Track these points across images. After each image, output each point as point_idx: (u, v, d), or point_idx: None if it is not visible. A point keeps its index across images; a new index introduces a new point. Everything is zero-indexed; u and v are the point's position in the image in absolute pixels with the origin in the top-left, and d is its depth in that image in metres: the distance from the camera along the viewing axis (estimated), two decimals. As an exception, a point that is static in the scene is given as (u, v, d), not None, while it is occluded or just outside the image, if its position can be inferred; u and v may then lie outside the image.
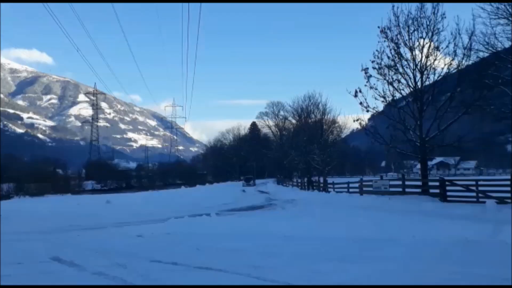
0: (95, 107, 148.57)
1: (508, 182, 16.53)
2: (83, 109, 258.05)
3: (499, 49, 16.82)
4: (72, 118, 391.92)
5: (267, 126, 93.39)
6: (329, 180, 38.66)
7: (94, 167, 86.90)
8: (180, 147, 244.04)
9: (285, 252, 8.18)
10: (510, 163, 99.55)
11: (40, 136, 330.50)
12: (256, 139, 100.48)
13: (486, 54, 17.91)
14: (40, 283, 5.91)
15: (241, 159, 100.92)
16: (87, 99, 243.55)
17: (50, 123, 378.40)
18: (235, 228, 12.73)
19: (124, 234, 11.78)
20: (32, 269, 6.87)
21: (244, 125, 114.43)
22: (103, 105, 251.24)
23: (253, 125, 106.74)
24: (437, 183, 19.88)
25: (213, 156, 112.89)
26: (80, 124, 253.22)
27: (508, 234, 9.59)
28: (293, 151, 52.64)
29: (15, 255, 7.98)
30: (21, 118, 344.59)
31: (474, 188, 17.97)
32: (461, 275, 5.92)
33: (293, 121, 65.92)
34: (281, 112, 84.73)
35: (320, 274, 6.12)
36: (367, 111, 22.42)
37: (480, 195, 17.26)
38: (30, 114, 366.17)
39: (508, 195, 16.06)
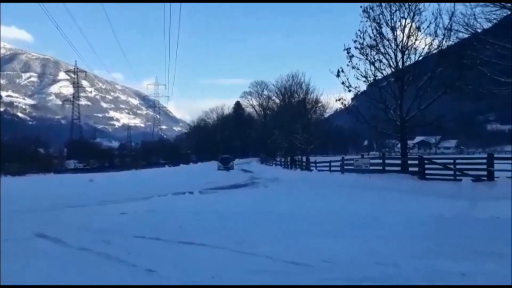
0: (76, 85, 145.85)
1: (485, 161, 17.04)
2: (64, 87, 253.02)
3: (478, 30, 17.07)
4: (53, 97, 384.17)
5: (251, 105, 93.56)
6: (312, 159, 39.10)
7: (76, 146, 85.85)
8: (163, 127, 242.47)
9: (265, 228, 8.42)
10: (489, 143, 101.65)
11: (20, 114, 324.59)
12: (240, 119, 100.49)
13: (466, 35, 18.18)
14: (25, 259, 6.03)
15: (225, 138, 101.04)
16: (67, 77, 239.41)
17: (30, 101, 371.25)
18: (218, 205, 12.94)
19: (108, 211, 11.89)
20: (17, 246, 6.96)
21: (228, 105, 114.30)
22: (84, 83, 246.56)
23: (237, 104, 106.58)
24: (416, 162, 20.36)
25: (197, 136, 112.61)
26: (61, 102, 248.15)
27: (482, 210, 10.00)
28: (276, 131, 52.93)
29: (-1, 233, 8.04)
30: (0, 97, 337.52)
31: (451, 166, 18.45)
32: (435, 248, 6.24)
33: (277, 100, 66.20)
34: (265, 92, 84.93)
35: (300, 249, 6.34)
36: (349, 91, 22.68)
37: (457, 173, 17.70)
38: (9, 93, 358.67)
39: (484, 173, 16.56)
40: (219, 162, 52.29)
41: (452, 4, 18.86)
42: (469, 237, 7.09)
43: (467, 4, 16.88)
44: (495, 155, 18.47)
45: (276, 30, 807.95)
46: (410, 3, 20.37)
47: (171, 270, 5.20)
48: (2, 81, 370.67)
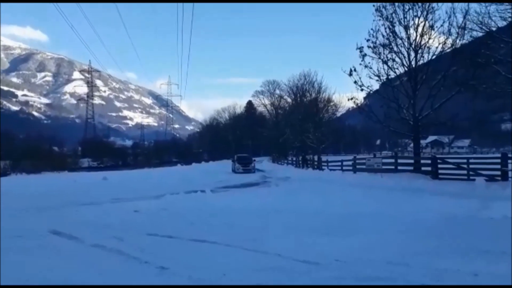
0: (90, 84, 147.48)
1: (498, 160, 16.85)
2: (78, 87, 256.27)
3: (493, 28, 16.87)
4: (67, 96, 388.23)
5: (262, 104, 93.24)
6: (324, 158, 38.96)
7: (90, 145, 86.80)
8: (176, 126, 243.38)
9: (277, 226, 8.46)
10: (503, 142, 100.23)
11: (35, 113, 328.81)
12: (251, 118, 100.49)
13: (480, 34, 17.97)
14: (39, 254, 6.16)
15: (237, 137, 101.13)
16: (81, 76, 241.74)
17: (45, 100, 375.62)
18: (229, 204, 13.00)
19: (121, 209, 12.01)
20: (32, 242, 7.09)
21: (240, 104, 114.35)
22: (98, 82, 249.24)
23: (249, 103, 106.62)
24: (429, 161, 20.19)
25: (209, 135, 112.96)
26: (75, 101, 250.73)
27: (495, 210, 9.89)
28: (288, 130, 52.88)
29: (15, 229, 8.19)
30: (16, 96, 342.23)
31: (465, 166, 18.27)
32: (447, 248, 6.21)
33: (289, 99, 66.02)
34: (277, 91, 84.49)
35: (311, 247, 6.37)
36: (362, 90, 22.56)
37: (471, 172, 17.53)
38: (25, 92, 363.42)
39: (498, 172, 16.38)
40: (236, 162, 38.44)
41: (466, 2, 18.68)
42: (481, 237, 7.04)
43: (482, 2, 16.70)
44: (510, 155, 18.26)
45: (289, 29, 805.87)
46: (423, 3, 20.21)
47: (183, 268, 5.27)
48: (18, 81, 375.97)
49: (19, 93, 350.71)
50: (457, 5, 19.31)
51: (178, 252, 6.30)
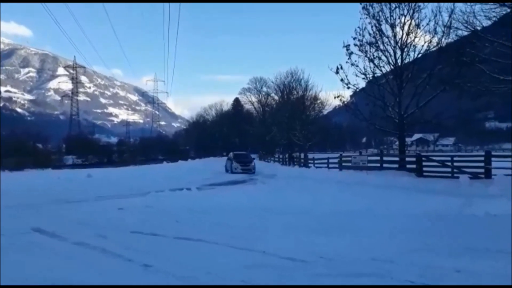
0: (75, 81, 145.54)
1: (482, 158, 17.08)
2: (63, 83, 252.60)
3: (478, 27, 17.04)
4: (51, 92, 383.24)
5: (249, 102, 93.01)
6: (310, 155, 39.10)
7: (75, 142, 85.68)
8: (162, 123, 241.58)
9: (263, 224, 8.44)
10: (487, 140, 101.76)
11: (18, 110, 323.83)
12: (238, 115, 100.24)
13: (465, 33, 18.15)
14: (21, 253, 6.04)
15: (224, 134, 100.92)
16: (66, 72, 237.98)
17: (28, 96, 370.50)
18: (215, 201, 12.93)
19: (105, 207, 11.86)
20: (14, 240, 6.95)
21: (227, 101, 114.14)
22: (83, 79, 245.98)
23: (236, 101, 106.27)
24: (414, 159, 20.39)
25: (196, 132, 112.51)
26: (59, 98, 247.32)
27: (478, 208, 10.01)
28: (275, 127, 52.96)
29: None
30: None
31: (449, 163, 18.48)
32: (430, 245, 6.25)
33: (276, 97, 66.01)
34: (264, 88, 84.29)
35: (296, 245, 6.35)
36: (348, 88, 22.68)
37: (455, 170, 17.76)
38: (8, 88, 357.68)
39: (482, 170, 16.60)
40: (234, 161, 31.68)
41: (452, 1, 18.86)
42: (465, 234, 7.12)
43: (467, 1, 16.86)
44: (493, 153, 18.51)
45: (276, 27, 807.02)
46: (409, 1, 20.36)
47: (167, 266, 5.21)
48: (1, 76, 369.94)
49: (2, 89, 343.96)
50: (443, 4, 19.50)
51: (162, 250, 6.23)
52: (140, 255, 5.72)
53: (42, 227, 8.02)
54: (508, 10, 15.77)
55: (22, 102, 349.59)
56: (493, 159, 16.68)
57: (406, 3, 20.45)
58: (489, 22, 16.76)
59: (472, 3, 16.55)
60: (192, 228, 8.01)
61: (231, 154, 34.42)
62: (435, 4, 19.77)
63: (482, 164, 16.70)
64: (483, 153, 17.75)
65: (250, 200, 12.88)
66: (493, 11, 16.06)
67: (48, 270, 5.09)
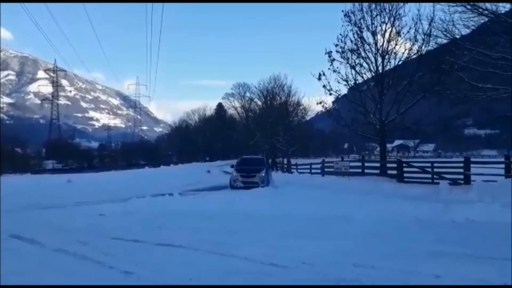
0: (55, 84, 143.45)
1: (462, 164, 17.36)
2: (43, 86, 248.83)
3: (457, 36, 17.37)
4: (31, 96, 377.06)
5: (233, 107, 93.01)
6: (293, 161, 39.23)
7: (55, 146, 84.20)
8: (144, 127, 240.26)
9: (245, 230, 8.44)
10: (466, 147, 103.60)
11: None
12: (222, 120, 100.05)
13: (445, 41, 18.49)
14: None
15: (207, 140, 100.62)
16: (46, 76, 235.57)
17: (8, 100, 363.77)
18: (197, 207, 12.87)
19: (85, 213, 11.72)
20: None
21: (210, 106, 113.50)
22: (64, 82, 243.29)
23: (219, 106, 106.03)
24: (395, 165, 20.63)
25: (178, 137, 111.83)
26: (39, 101, 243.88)
27: (457, 213, 10.17)
28: (258, 133, 53.03)
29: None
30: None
31: (429, 169, 18.73)
32: (410, 250, 6.34)
33: (259, 102, 66.10)
34: (247, 94, 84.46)
35: (278, 250, 6.36)
36: (330, 94, 22.85)
37: (435, 176, 18.00)
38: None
39: (461, 176, 16.87)
40: (234, 169, 22.14)
41: (432, 10, 19.22)
42: (444, 240, 7.22)
43: (446, 10, 17.18)
44: (472, 159, 18.83)
45: (259, 32, 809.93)
46: (390, 9, 20.67)
47: (148, 272, 5.17)
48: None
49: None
50: (423, 11, 19.94)
51: (143, 256, 6.17)
52: (121, 262, 5.66)
53: (21, 234, 7.87)
54: (486, 19, 16.12)
55: (1, 105, 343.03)
56: (472, 165, 16.96)
57: (388, 11, 20.73)
58: (468, 31, 17.11)
59: (451, 12, 16.86)
60: (174, 234, 7.95)
61: (239, 159, 25.41)
62: (416, 12, 20.13)
63: (462, 170, 16.96)
64: (462, 159, 18.04)
65: (232, 206, 12.86)
66: (472, 20, 16.40)
67: (27, 277, 5.01)
